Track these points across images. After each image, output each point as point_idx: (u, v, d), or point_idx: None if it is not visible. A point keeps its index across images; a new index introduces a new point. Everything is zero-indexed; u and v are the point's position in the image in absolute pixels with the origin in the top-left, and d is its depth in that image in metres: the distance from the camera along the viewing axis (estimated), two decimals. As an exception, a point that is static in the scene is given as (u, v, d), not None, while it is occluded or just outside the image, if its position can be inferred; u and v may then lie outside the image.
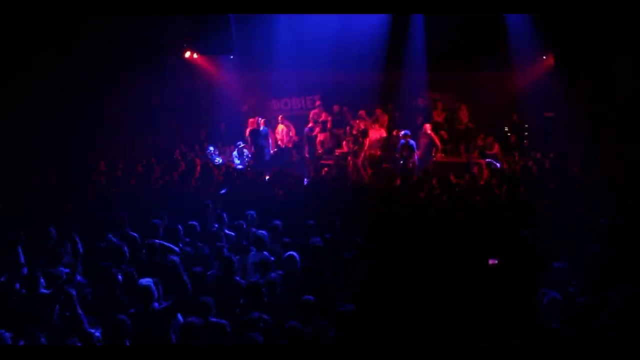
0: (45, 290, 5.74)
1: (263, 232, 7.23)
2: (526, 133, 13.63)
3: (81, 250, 6.29)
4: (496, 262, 6.97)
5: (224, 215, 8.21)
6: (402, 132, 12.77)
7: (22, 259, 6.43)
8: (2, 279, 6.15)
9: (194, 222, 7.63)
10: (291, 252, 6.54)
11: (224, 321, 5.37)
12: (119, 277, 6.06)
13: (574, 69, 11.46)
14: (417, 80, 13.95)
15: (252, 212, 8.26)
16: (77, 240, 6.31)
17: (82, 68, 11.16)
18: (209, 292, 5.95)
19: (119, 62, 11.58)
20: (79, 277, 6.29)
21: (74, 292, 5.60)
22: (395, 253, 7.17)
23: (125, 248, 6.62)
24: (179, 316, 5.57)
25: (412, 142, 12.68)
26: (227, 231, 7.87)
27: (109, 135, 11.81)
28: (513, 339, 5.39)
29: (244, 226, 7.88)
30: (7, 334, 4.83)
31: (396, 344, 5.18)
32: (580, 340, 5.36)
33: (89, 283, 6.31)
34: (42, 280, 5.78)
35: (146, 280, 5.52)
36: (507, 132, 13.91)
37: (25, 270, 6.23)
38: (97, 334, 5.14)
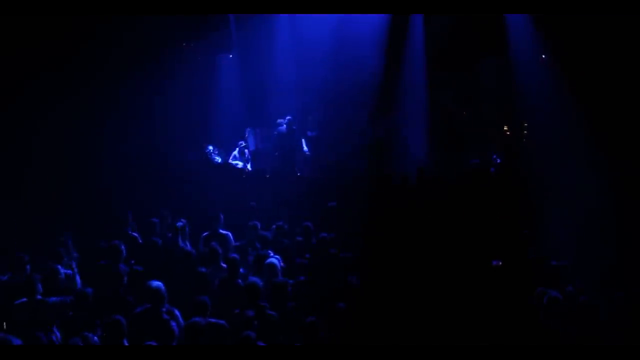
0: (40, 297, 5.75)
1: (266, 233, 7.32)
2: (525, 132, 13.67)
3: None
4: (500, 263, 6.96)
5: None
6: None
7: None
8: (5, 278, 6.15)
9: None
10: (272, 259, 6.55)
11: (222, 321, 5.38)
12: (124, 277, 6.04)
13: (573, 69, 11.44)
14: (416, 80, 13.96)
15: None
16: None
17: (80, 68, 11.13)
18: (213, 292, 5.99)
19: (118, 62, 11.56)
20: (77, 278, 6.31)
21: (89, 291, 5.64)
22: (394, 252, 7.18)
23: (123, 247, 6.63)
24: (179, 316, 5.57)
25: None
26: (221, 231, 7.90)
27: (108, 135, 11.79)
28: (513, 338, 5.39)
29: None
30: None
31: (395, 344, 5.18)
32: (580, 340, 5.36)
33: (90, 282, 6.31)
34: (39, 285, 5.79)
35: (157, 283, 5.50)
36: (506, 131, 13.96)
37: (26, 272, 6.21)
38: (95, 337, 5.12)
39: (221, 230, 7.81)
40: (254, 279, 5.93)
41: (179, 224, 7.43)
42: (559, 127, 11.45)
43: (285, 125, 13.52)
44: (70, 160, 10.75)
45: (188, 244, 7.49)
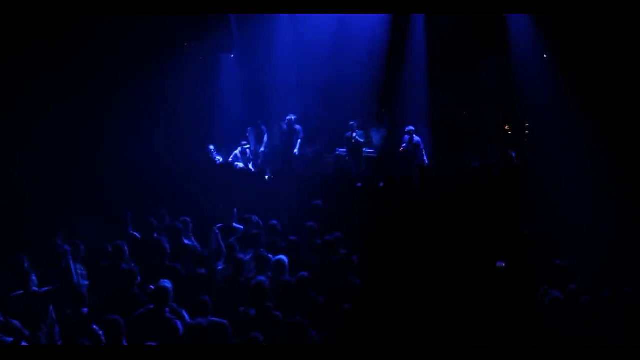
0: (36, 288, 5.82)
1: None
2: (526, 131, 13.69)
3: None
4: (503, 265, 6.94)
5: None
6: (407, 128, 12.78)
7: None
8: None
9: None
10: (281, 257, 6.53)
11: (224, 321, 5.36)
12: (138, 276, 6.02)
13: (574, 69, 11.45)
14: (417, 80, 13.96)
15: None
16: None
17: (81, 68, 11.15)
18: (218, 291, 5.98)
19: (119, 62, 11.58)
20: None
21: (85, 292, 5.64)
22: (396, 252, 7.17)
23: (126, 247, 6.62)
24: (186, 315, 5.56)
25: (417, 138, 12.67)
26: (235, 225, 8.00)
27: (109, 135, 11.81)
28: (515, 338, 5.40)
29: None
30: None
31: (396, 344, 5.18)
32: (581, 340, 5.36)
33: (93, 282, 6.32)
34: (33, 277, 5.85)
35: (165, 282, 5.47)
36: (507, 130, 13.98)
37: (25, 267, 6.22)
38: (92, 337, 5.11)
39: (235, 224, 8.01)
40: (262, 278, 5.84)
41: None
42: (560, 126, 11.46)
43: (285, 125, 13.54)
44: (70, 161, 10.77)
45: (194, 240, 7.54)
